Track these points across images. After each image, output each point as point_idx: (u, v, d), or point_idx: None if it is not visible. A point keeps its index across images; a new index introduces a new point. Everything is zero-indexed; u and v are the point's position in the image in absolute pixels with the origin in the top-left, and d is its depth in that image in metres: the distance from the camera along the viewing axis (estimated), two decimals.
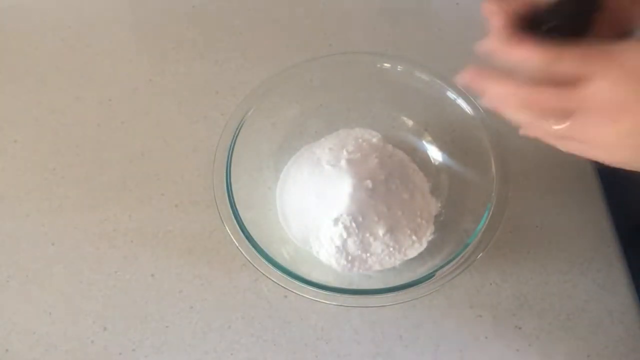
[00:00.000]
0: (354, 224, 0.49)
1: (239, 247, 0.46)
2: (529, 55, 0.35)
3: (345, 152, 0.53)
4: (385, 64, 0.54)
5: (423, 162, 0.56)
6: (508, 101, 0.37)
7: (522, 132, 0.39)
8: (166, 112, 0.63)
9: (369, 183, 0.50)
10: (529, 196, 0.57)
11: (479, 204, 0.48)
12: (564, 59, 0.35)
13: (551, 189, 0.57)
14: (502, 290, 0.53)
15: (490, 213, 0.47)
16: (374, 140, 0.55)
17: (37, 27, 0.69)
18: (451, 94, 0.53)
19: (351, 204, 0.49)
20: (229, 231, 0.47)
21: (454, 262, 0.46)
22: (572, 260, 0.54)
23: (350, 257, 0.49)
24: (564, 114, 0.36)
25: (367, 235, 0.49)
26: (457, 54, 0.69)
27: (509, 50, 0.36)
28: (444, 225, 0.52)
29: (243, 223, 0.47)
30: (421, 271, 0.47)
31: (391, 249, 0.50)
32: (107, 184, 0.58)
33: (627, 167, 0.40)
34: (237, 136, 0.51)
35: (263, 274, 0.46)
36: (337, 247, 0.49)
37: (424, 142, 0.56)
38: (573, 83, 0.34)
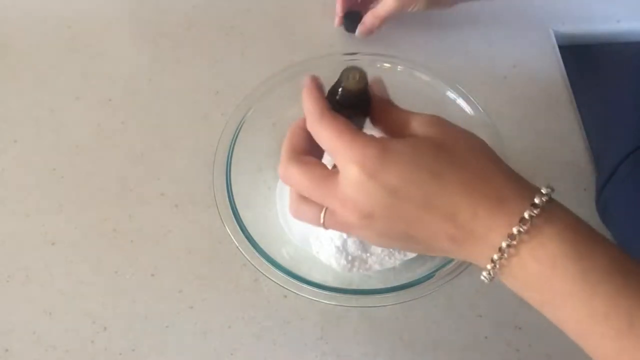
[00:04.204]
0: None
1: (239, 247, 0.46)
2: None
3: None
4: (385, 64, 0.54)
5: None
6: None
7: (290, 211, 0.39)
8: (166, 112, 0.63)
9: None
10: None
11: None
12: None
13: None
14: (502, 290, 0.53)
15: None
16: None
17: (37, 27, 0.69)
18: (451, 94, 0.53)
19: None
20: (229, 231, 0.47)
21: (454, 262, 0.46)
22: None
23: (350, 257, 0.49)
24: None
25: None
26: (457, 54, 0.69)
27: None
28: None
29: (243, 223, 0.47)
30: (421, 271, 0.47)
31: (391, 249, 0.50)
32: (107, 184, 0.58)
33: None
34: (237, 136, 0.51)
35: (263, 274, 0.46)
36: (337, 247, 0.49)
37: None
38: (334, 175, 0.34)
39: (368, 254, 0.50)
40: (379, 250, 0.49)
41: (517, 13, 0.71)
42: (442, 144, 0.33)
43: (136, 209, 0.57)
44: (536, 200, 0.31)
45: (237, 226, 0.47)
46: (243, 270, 0.53)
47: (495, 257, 0.31)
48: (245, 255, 0.46)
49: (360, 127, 0.39)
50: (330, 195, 0.34)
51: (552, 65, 0.67)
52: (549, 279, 0.31)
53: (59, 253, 0.54)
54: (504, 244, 0.31)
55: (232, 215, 0.47)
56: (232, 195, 0.48)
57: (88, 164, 0.59)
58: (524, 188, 0.32)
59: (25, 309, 0.52)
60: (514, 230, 0.30)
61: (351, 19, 0.66)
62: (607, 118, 0.63)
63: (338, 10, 0.66)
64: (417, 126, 0.35)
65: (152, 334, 0.51)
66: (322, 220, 0.37)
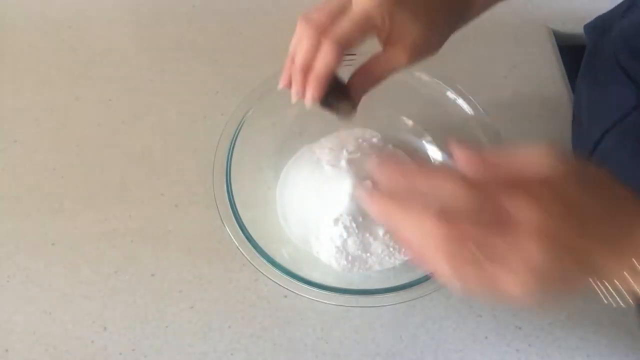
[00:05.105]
0: (353, 224, 0.49)
1: (239, 247, 0.46)
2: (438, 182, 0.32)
3: (345, 152, 0.53)
4: None
5: (423, 162, 0.56)
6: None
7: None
8: (166, 112, 0.63)
9: (369, 183, 0.50)
10: None
11: None
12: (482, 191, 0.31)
13: None
14: None
15: None
16: (374, 140, 0.55)
17: (37, 27, 0.69)
18: (451, 94, 0.53)
19: (351, 204, 0.49)
20: (229, 231, 0.47)
21: None
22: None
23: (350, 257, 0.49)
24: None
25: (367, 235, 0.49)
26: (457, 54, 0.69)
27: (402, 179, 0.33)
28: None
29: (243, 223, 0.47)
30: (421, 271, 0.47)
31: (391, 249, 0.50)
32: (107, 184, 0.58)
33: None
34: (237, 136, 0.51)
35: (263, 274, 0.46)
36: (337, 247, 0.49)
37: (424, 142, 0.56)
38: (503, 220, 0.30)
39: (368, 254, 0.50)
40: (379, 250, 0.50)
41: (517, 13, 0.71)
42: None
43: (136, 209, 0.57)
44: None
45: (237, 226, 0.47)
46: (243, 270, 0.53)
47: None
48: (245, 255, 0.46)
49: (347, 114, 0.42)
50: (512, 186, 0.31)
51: (552, 65, 0.67)
52: None
53: (59, 253, 0.54)
54: None
55: (232, 215, 0.47)
56: (232, 195, 0.48)
57: (88, 164, 0.59)
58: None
59: (25, 309, 0.52)
60: None
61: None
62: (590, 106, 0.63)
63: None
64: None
65: (152, 334, 0.51)
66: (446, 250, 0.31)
